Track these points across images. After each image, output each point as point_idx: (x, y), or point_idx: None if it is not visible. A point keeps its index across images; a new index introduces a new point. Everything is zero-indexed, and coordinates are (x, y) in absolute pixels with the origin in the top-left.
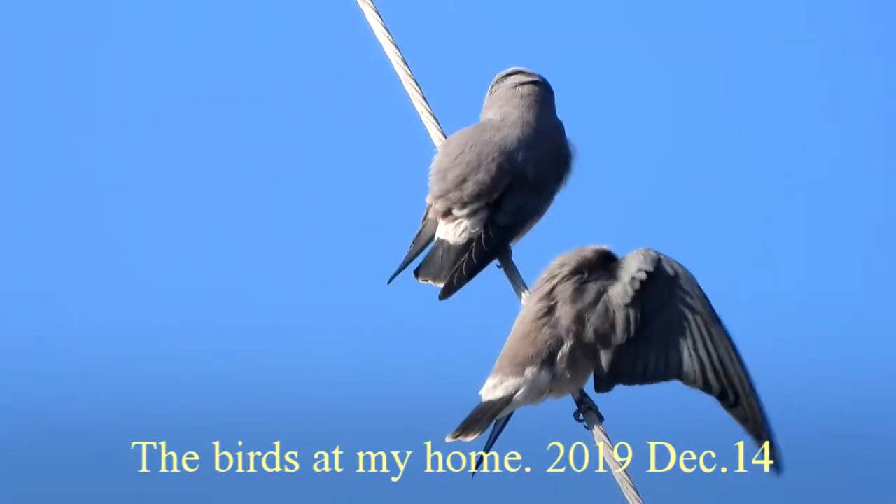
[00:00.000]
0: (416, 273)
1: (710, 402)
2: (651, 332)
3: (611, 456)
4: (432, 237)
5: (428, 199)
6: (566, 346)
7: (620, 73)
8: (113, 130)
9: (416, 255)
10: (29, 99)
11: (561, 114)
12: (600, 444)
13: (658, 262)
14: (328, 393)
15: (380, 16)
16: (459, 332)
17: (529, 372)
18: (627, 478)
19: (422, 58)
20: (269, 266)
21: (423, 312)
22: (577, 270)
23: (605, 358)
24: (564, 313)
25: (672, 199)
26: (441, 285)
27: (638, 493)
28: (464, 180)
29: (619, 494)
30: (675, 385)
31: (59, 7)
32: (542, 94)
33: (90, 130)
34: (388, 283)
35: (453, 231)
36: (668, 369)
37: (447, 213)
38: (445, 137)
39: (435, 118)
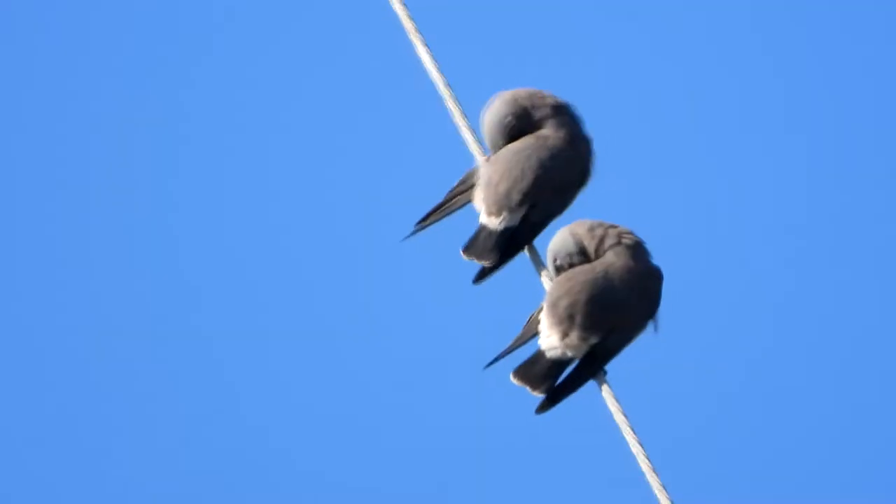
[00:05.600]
0: (464, 251)
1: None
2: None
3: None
4: (460, 207)
5: (475, 199)
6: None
7: (622, 72)
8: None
9: (439, 220)
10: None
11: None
12: (607, 399)
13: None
14: (342, 373)
15: (427, 45)
16: (485, 305)
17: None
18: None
19: (453, 64)
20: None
21: (447, 284)
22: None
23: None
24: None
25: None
26: (485, 264)
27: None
28: (510, 192)
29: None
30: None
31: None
32: (575, 114)
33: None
34: (414, 232)
35: (495, 220)
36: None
37: (493, 213)
38: (480, 146)
39: (471, 130)
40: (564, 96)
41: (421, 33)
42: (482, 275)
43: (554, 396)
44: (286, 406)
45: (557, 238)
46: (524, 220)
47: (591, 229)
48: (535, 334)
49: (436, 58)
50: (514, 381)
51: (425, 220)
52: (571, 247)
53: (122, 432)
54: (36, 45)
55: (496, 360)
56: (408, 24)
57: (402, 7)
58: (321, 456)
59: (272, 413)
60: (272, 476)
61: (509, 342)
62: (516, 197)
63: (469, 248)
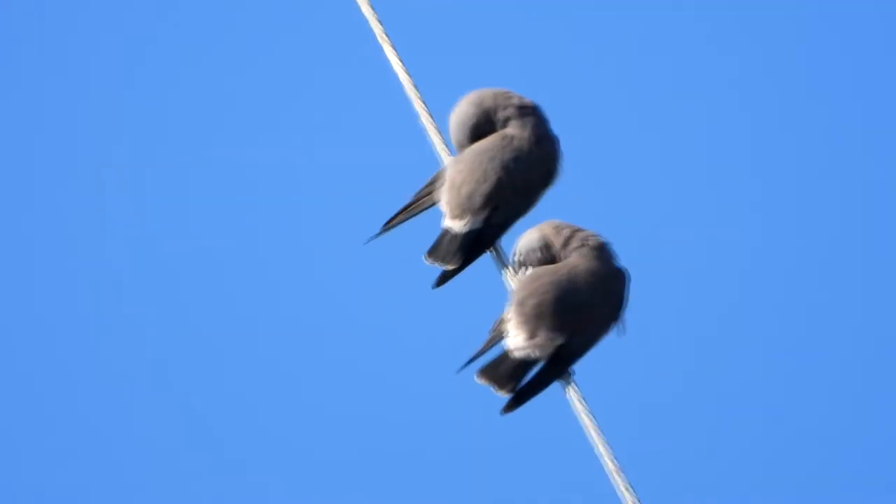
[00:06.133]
0: (427, 255)
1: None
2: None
3: (591, 426)
4: (427, 208)
5: (440, 201)
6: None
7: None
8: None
9: (405, 220)
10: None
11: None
12: (573, 398)
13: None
14: (305, 375)
15: (394, 48)
16: (448, 304)
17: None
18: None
19: (421, 66)
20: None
21: (411, 285)
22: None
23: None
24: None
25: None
26: (448, 267)
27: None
28: (472, 195)
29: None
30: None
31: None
32: (541, 114)
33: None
34: (379, 234)
35: (458, 223)
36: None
37: (456, 216)
38: (447, 147)
39: (439, 131)
40: (533, 97)
41: (389, 36)
42: (443, 278)
43: (520, 397)
44: (251, 410)
45: (525, 235)
46: (487, 222)
47: (559, 229)
48: (502, 334)
49: (403, 60)
50: (478, 380)
51: (392, 221)
52: (535, 244)
53: (106, 432)
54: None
55: (468, 363)
56: (376, 27)
57: (370, 10)
58: (283, 457)
59: (236, 418)
60: (234, 480)
61: (476, 343)
62: (479, 200)
63: (432, 252)
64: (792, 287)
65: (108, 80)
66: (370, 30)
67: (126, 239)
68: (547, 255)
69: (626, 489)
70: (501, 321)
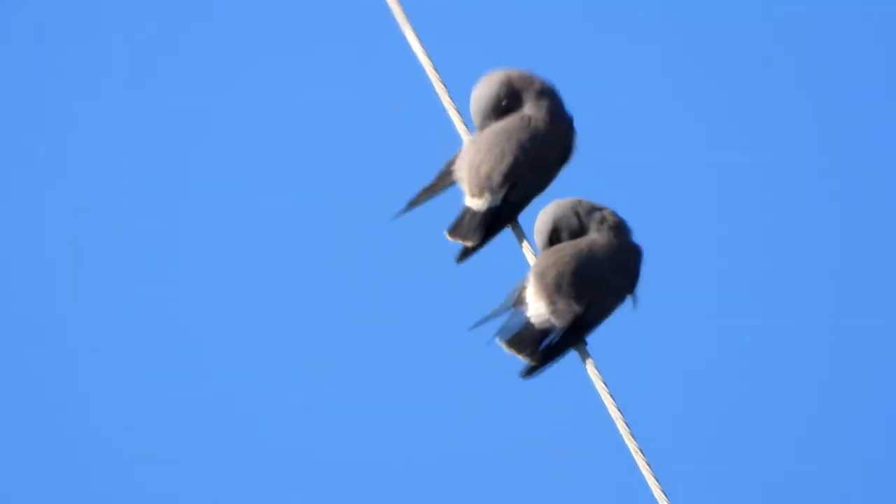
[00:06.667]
0: (449, 233)
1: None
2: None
3: (604, 390)
4: (448, 187)
5: (459, 178)
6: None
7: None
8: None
9: (427, 199)
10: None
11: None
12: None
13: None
14: (326, 351)
15: (419, 38)
16: (470, 277)
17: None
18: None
19: (441, 47)
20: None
21: (433, 258)
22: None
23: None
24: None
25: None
26: (469, 244)
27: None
28: (490, 174)
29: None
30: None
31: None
32: (557, 95)
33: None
34: (403, 212)
35: (478, 201)
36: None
37: (476, 195)
38: (467, 128)
39: (458, 112)
40: (548, 77)
41: (409, 18)
42: (465, 254)
43: (539, 363)
44: (267, 386)
45: (560, 205)
46: (505, 199)
47: (591, 210)
48: (521, 302)
49: (423, 42)
50: (503, 347)
51: (415, 201)
52: (569, 211)
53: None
54: None
55: (480, 323)
56: (396, 9)
57: None
58: (304, 431)
59: (256, 396)
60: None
61: (493, 307)
62: (497, 178)
63: (454, 230)
64: (813, 263)
65: (103, 77)
66: (390, 12)
67: (125, 238)
68: (577, 231)
69: (637, 452)
70: (521, 289)
